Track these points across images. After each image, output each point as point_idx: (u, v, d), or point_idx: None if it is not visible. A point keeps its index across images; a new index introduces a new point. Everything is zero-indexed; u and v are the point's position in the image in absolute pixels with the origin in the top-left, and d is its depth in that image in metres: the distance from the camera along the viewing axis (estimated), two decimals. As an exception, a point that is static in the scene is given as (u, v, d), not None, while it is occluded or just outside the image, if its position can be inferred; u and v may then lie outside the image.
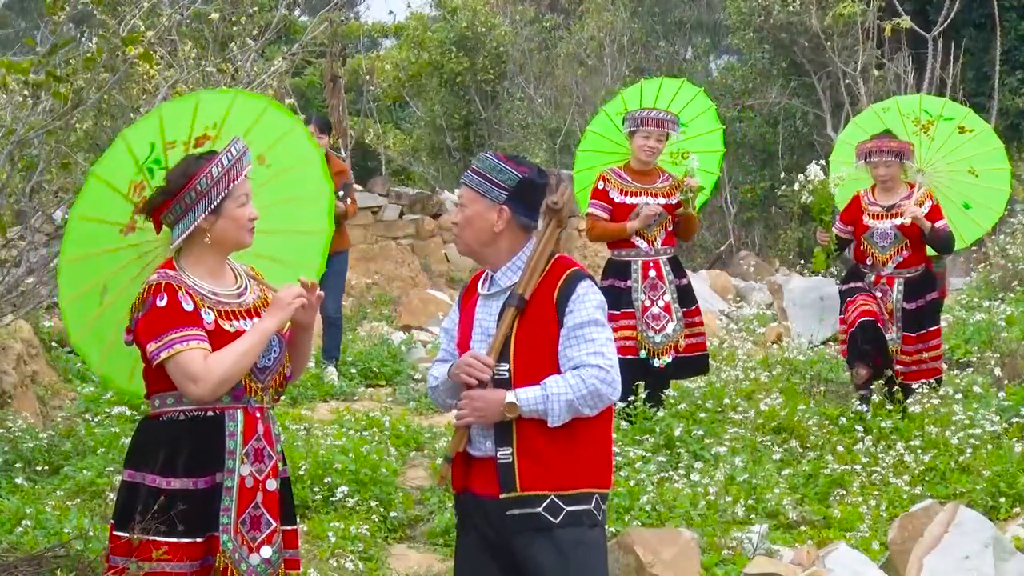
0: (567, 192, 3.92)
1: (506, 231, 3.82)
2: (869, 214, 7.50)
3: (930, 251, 7.77)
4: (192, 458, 3.66)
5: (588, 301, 3.76)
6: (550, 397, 3.68)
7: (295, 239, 4.17)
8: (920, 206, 7.41)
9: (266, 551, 3.69)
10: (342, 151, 16.71)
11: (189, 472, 3.65)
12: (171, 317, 3.60)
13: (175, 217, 3.72)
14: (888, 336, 7.49)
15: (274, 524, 3.73)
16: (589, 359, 3.71)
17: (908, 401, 7.55)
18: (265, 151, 4.01)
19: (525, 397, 3.68)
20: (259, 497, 3.70)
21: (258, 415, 3.73)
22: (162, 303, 3.61)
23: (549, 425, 3.69)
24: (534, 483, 3.70)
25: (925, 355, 7.63)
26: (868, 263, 7.54)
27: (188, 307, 3.63)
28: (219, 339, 3.64)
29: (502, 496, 3.70)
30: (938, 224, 7.42)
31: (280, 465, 3.80)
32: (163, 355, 3.59)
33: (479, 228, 3.82)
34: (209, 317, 3.66)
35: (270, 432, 3.77)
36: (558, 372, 3.73)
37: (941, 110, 7.88)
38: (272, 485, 3.74)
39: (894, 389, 7.49)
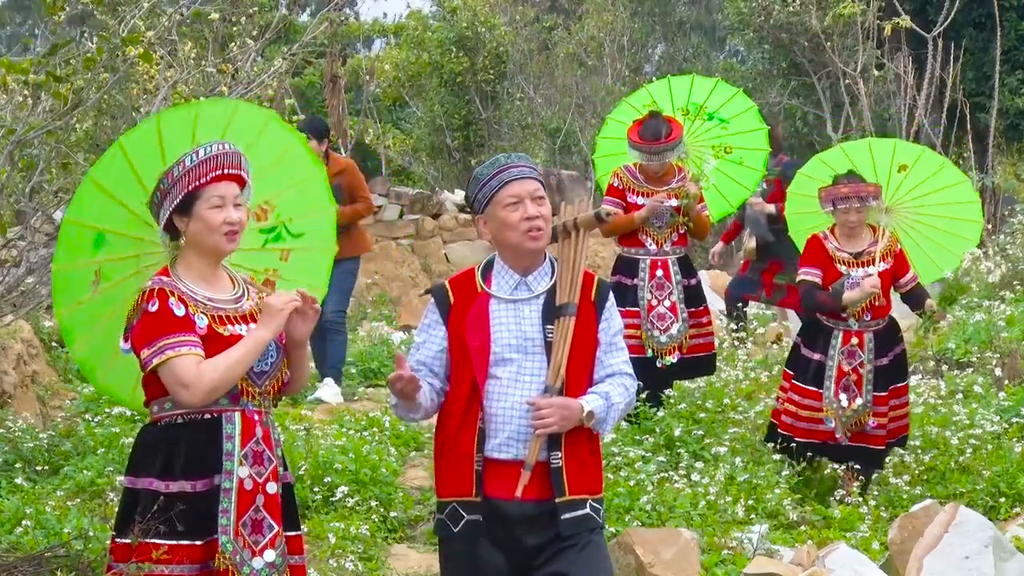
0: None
1: None
2: (838, 261, 6.71)
3: None
4: (189, 461, 3.65)
5: (616, 309, 3.92)
6: (612, 406, 3.79)
7: (298, 255, 4.14)
8: (888, 257, 6.72)
9: (269, 555, 3.68)
10: (342, 150, 16.69)
11: (187, 475, 3.65)
12: (163, 323, 3.61)
13: (154, 214, 3.77)
14: (857, 401, 6.69)
15: (276, 528, 3.71)
16: (624, 367, 3.87)
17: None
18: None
19: (596, 406, 3.76)
20: (259, 500, 3.69)
21: (256, 418, 3.72)
22: (154, 308, 3.63)
23: (603, 432, 3.82)
24: (579, 487, 3.76)
25: (896, 413, 6.82)
26: (843, 316, 6.71)
27: (179, 312, 3.63)
28: (213, 344, 3.64)
29: (558, 501, 3.72)
30: (905, 278, 6.79)
31: (281, 469, 3.79)
32: (155, 361, 3.59)
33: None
34: (202, 322, 3.65)
35: (269, 435, 3.76)
36: (593, 374, 3.83)
37: (919, 155, 7.12)
38: (272, 488, 3.72)
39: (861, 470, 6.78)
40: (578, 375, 3.78)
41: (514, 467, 3.73)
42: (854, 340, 6.73)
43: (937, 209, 7.07)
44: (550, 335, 3.77)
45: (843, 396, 6.69)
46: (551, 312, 3.79)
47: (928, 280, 7.26)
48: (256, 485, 3.69)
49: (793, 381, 6.91)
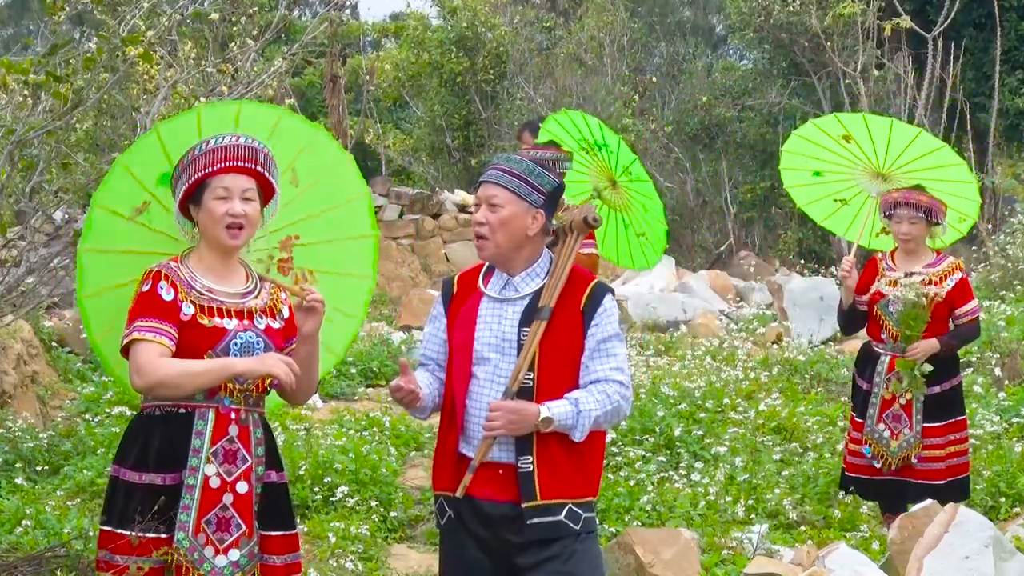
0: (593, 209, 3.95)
1: (535, 236, 3.79)
2: (886, 280, 6.18)
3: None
4: (161, 453, 3.65)
5: (613, 315, 3.79)
6: (582, 413, 3.68)
7: (342, 247, 4.10)
8: (945, 279, 6.16)
9: (233, 554, 3.64)
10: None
11: (158, 467, 3.64)
12: (145, 304, 3.62)
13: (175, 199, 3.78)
14: (904, 432, 6.11)
15: (244, 527, 3.67)
16: (612, 374, 3.74)
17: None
18: (293, 164, 3.97)
19: (559, 412, 3.66)
20: (228, 499, 3.65)
21: (232, 416, 3.69)
22: (145, 289, 3.65)
23: (575, 440, 3.69)
24: (553, 492, 3.70)
25: (955, 448, 6.18)
26: (883, 337, 6.18)
27: (167, 296, 3.63)
28: (191, 332, 3.63)
29: (524, 505, 3.67)
30: (962, 309, 6.18)
31: (260, 469, 3.73)
32: (125, 341, 3.62)
33: (515, 230, 3.75)
34: (188, 310, 3.64)
35: (247, 434, 3.71)
36: (578, 381, 3.74)
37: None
38: (243, 488, 3.67)
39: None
40: (555, 379, 3.71)
41: (491, 467, 3.71)
42: None
43: (936, 184, 6.39)
44: (525, 337, 3.72)
45: (881, 427, 6.15)
46: (532, 314, 3.75)
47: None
48: (224, 483, 3.65)
49: (853, 415, 6.37)
